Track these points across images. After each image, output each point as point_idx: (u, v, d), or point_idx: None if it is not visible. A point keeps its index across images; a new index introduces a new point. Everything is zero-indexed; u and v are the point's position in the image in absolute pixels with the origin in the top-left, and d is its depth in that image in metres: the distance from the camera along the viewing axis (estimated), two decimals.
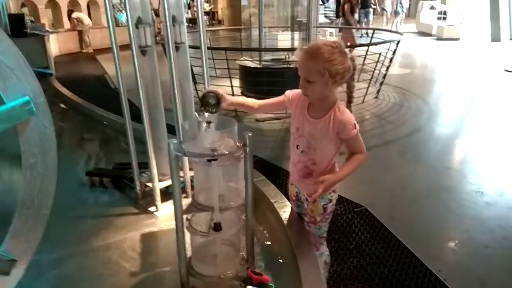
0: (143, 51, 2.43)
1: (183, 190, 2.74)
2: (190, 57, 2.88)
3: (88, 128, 4.90)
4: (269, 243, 2.30)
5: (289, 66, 6.17)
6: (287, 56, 6.56)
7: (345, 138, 1.73)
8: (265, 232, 2.38)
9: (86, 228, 2.51)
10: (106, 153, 3.91)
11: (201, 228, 1.75)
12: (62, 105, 6.14)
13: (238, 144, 1.64)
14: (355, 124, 1.71)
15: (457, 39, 13.33)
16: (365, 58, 6.32)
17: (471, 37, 14.27)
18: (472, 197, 3.42)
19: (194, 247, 1.84)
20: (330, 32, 10.80)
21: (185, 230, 1.74)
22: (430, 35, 15.67)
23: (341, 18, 8.76)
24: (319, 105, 1.72)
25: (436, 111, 6.14)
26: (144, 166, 2.72)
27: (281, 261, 2.15)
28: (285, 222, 2.18)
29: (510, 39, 13.20)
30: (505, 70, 8.39)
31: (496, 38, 13.03)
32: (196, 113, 2.80)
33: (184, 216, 1.75)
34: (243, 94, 6.35)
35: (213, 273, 1.80)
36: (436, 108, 6.27)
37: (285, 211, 2.29)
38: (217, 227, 1.73)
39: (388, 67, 6.45)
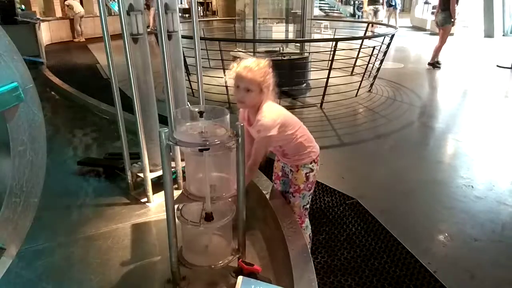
0: (134, 39, 2.39)
1: (175, 181, 2.73)
2: (183, 47, 2.86)
3: (80, 117, 4.85)
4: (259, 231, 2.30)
5: (283, 58, 6.16)
6: (281, 48, 6.53)
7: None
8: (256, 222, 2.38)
9: (76, 218, 2.49)
10: (97, 143, 3.87)
11: (193, 218, 1.74)
12: (53, 94, 6.07)
13: (231, 134, 1.63)
14: (266, 129, 1.90)
15: (451, 34, 13.36)
16: (359, 51, 6.33)
17: (465, 32, 14.34)
18: (463, 191, 3.45)
19: (185, 237, 1.83)
20: (325, 25, 10.76)
21: (176, 220, 1.73)
22: (424, 29, 15.72)
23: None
24: (253, 112, 1.98)
25: (428, 105, 6.18)
26: (136, 156, 2.70)
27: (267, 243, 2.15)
28: (276, 213, 2.19)
29: (503, 35, 13.28)
30: (497, 66, 8.44)
31: (489, 34, 13.11)
32: (188, 102, 2.79)
33: (175, 206, 1.74)
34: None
35: (204, 263, 1.80)
36: (429, 103, 6.31)
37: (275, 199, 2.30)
38: (208, 217, 1.73)
39: (381, 61, 6.46)
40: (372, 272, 2.39)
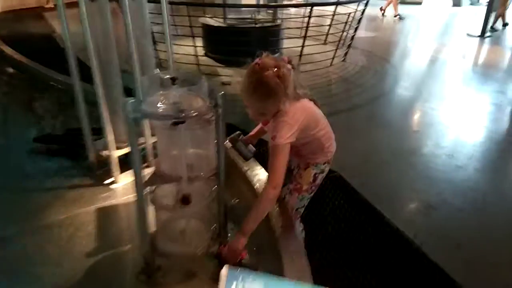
0: None
1: (144, 158, 2.48)
2: (149, 12, 2.54)
3: (38, 90, 4.40)
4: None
5: (255, 26, 5.85)
6: (253, 15, 6.20)
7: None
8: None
9: (34, 203, 2.21)
10: (58, 118, 3.51)
11: (167, 201, 1.53)
12: (6, 67, 5.51)
13: (209, 104, 1.41)
14: (283, 135, 1.53)
15: (420, 3, 13.35)
16: (332, 18, 6.11)
17: (433, 1, 14.37)
18: (442, 160, 3.40)
19: (159, 222, 1.62)
20: None
21: (148, 204, 1.51)
22: None
23: None
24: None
25: (402, 74, 6.11)
26: (100, 132, 2.42)
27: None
28: (258, 191, 2.01)
29: (470, 4, 13.40)
30: (467, 35, 8.48)
31: (457, 3, 13.18)
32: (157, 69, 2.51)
33: (147, 188, 1.52)
34: (206, 55, 6.00)
35: (181, 251, 1.60)
36: (402, 71, 6.24)
37: (259, 179, 2.11)
38: (185, 200, 1.52)
39: (356, 29, 6.27)
40: (358, 246, 2.29)
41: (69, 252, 1.84)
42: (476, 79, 5.96)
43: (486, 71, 6.33)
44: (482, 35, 8.18)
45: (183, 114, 1.32)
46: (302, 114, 1.60)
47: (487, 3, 8.40)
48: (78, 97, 2.28)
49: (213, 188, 1.63)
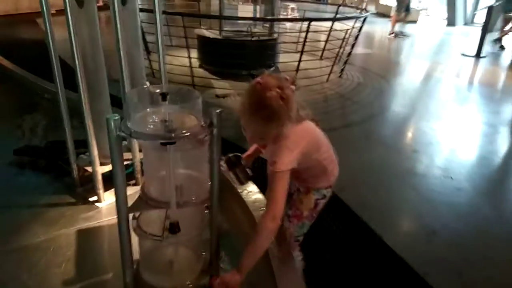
0: (79, 1, 1.93)
1: (132, 176, 2.32)
2: (143, 22, 2.42)
3: (22, 99, 4.23)
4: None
5: (251, 39, 5.77)
6: (249, 28, 6.13)
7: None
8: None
9: (9, 222, 2.03)
10: (44, 129, 3.33)
11: (153, 230, 1.37)
12: None
13: (203, 124, 1.26)
14: (283, 162, 1.38)
15: (415, 21, 13.45)
16: (329, 34, 6.05)
17: (428, 20, 14.52)
18: (442, 182, 3.29)
19: (144, 252, 1.46)
20: (292, 7, 10.40)
21: (132, 232, 1.35)
22: (389, 16, 15.68)
23: None
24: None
25: (399, 92, 6.07)
26: (85, 145, 2.25)
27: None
28: (254, 213, 1.85)
29: (464, 24, 13.53)
30: (462, 54, 8.49)
31: (451, 22, 13.30)
32: (147, 82, 2.37)
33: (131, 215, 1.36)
34: (201, 66, 5.88)
35: (168, 284, 1.44)
36: (399, 90, 6.18)
37: (254, 201, 1.95)
38: (173, 228, 1.36)
39: (353, 45, 6.22)
40: (358, 276, 2.15)
41: (44, 279, 1.66)
42: (472, 98, 5.92)
43: (482, 90, 6.30)
44: (477, 55, 8.20)
45: (173, 134, 1.18)
46: (304, 138, 1.47)
47: (483, 24, 8.44)
48: (62, 106, 2.12)
49: (205, 215, 1.47)
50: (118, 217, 1.31)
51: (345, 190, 2.89)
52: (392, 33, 10.43)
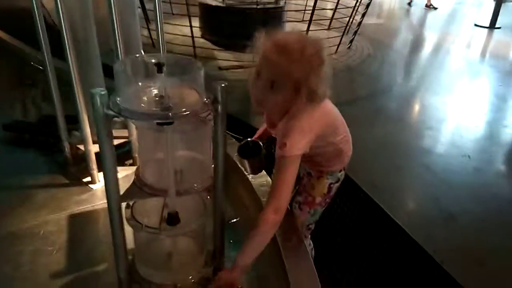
0: None
1: (129, 155, 2.15)
2: None
3: (16, 70, 3.99)
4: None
5: (256, 6, 5.46)
6: None
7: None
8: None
9: None
10: (37, 103, 3.14)
11: (149, 220, 1.20)
12: None
13: (206, 100, 1.07)
14: (292, 145, 1.18)
15: None
16: (338, 2, 5.72)
17: None
18: (459, 161, 3.11)
19: (139, 244, 1.30)
20: None
21: (124, 223, 1.18)
22: None
23: None
24: (277, 115, 1.28)
25: (410, 65, 5.81)
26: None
27: None
28: (262, 199, 1.68)
29: None
30: (475, 25, 8.13)
31: None
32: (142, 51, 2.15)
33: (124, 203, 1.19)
34: (203, 37, 5.61)
35: (167, 280, 1.28)
36: (410, 62, 5.92)
37: (262, 185, 1.78)
38: (172, 219, 1.19)
39: (363, 14, 5.89)
40: (371, 262, 2.01)
41: (31, 272, 1.51)
42: (485, 71, 5.64)
43: (496, 63, 6.01)
44: (491, 26, 7.84)
45: (171, 113, 0.98)
46: (322, 120, 1.27)
47: None
48: (49, 75, 1.91)
49: (206, 200, 1.30)
50: (109, 207, 1.14)
51: (354, 170, 2.72)
52: (430, 5, 9.84)
